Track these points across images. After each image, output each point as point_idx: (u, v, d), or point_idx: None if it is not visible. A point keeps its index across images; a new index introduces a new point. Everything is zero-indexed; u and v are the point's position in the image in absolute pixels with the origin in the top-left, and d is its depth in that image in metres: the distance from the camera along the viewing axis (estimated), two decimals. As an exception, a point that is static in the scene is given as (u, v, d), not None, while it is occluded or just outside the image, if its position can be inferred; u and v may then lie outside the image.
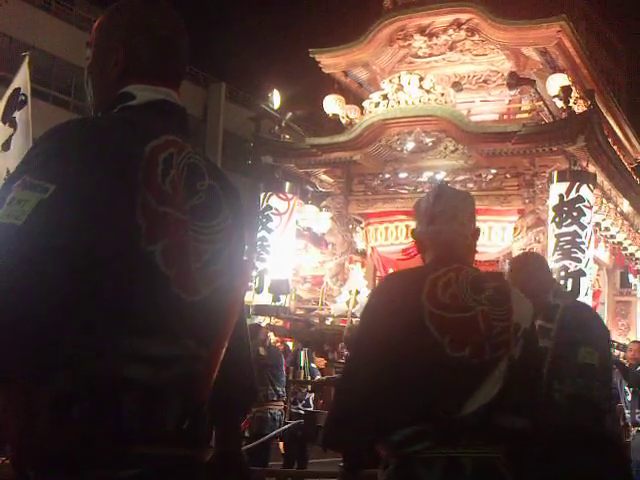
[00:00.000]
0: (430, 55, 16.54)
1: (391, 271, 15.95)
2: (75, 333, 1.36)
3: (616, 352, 14.04)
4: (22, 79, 8.14)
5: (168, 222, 1.45)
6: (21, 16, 24.80)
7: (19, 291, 1.30)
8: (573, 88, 14.17)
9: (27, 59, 8.36)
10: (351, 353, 2.43)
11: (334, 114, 16.62)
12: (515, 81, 14.57)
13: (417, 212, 2.57)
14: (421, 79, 14.90)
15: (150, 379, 1.40)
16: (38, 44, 24.95)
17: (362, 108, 15.72)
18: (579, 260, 12.38)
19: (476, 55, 16.16)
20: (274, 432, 8.51)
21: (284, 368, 9.20)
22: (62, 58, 24.27)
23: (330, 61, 17.08)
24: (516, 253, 13.80)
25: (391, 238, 15.62)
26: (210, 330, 1.52)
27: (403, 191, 15.68)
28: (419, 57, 16.68)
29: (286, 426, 8.87)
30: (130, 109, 1.58)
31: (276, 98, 17.18)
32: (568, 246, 12.42)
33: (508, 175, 14.76)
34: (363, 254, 16.33)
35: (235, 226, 1.63)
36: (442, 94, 14.81)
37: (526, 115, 15.10)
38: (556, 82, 14.18)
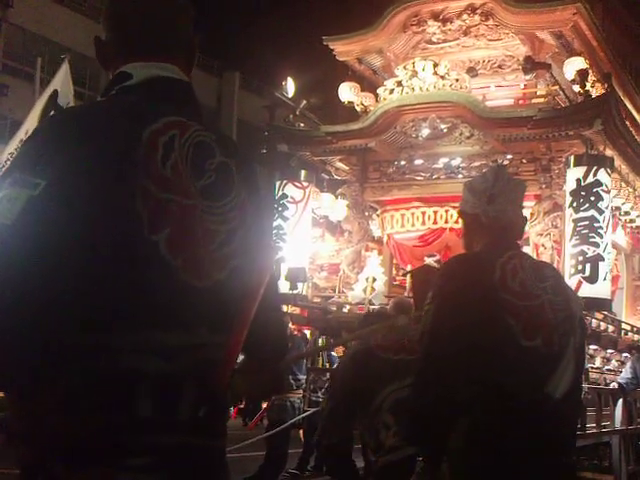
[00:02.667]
0: (444, 41, 16.41)
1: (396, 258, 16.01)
2: (79, 329, 1.34)
3: (636, 337, 13.98)
4: (60, 81, 8.19)
5: (171, 209, 1.41)
6: (34, 9, 24.87)
7: (12, 293, 1.27)
8: (590, 71, 14.05)
9: (67, 62, 8.37)
10: (426, 344, 2.35)
11: (349, 102, 16.56)
12: (530, 65, 14.46)
13: (471, 191, 2.53)
14: (435, 65, 14.79)
15: (160, 369, 1.38)
16: (51, 36, 25.04)
17: (376, 95, 15.64)
18: (597, 245, 12.29)
19: (491, 40, 16.01)
20: (293, 419, 8.55)
21: (303, 356, 9.24)
22: (75, 50, 24.31)
23: (344, 48, 16.98)
24: (533, 239, 13.74)
25: (407, 225, 15.55)
26: (227, 315, 1.47)
27: (419, 178, 15.59)
28: (433, 43, 16.55)
29: (305, 414, 8.90)
30: (128, 90, 1.53)
31: (290, 86, 17.16)
32: (586, 231, 12.33)
33: (524, 160, 14.65)
34: (379, 241, 16.30)
35: (251, 202, 1.58)
36: (457, 80, 14.71)
37: (542, 100, 14.96)
38: (572, 66, 14.04)
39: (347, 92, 16.66)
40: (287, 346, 1.81)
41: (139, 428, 1.36)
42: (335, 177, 16.61)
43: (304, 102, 16.34)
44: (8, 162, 8.89)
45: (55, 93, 8.28)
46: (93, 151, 1.37)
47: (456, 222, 15.12)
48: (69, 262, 1.33)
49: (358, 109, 16.43)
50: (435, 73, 14.71)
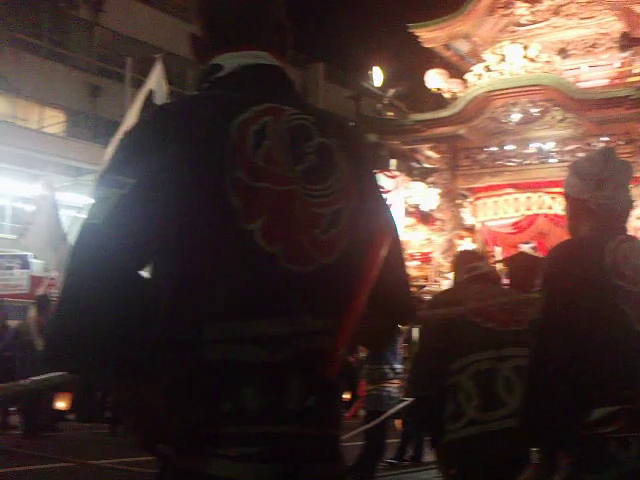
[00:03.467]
0: (533, 22, 16.06)
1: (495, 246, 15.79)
2: (181, 322, 1.37)
3: None
4: (155, 81, 8.43)
5: (265, 197, 1.40)
6: (122, 10, 25.53)
7: (107, 293, 1.30)
8: (693, 45, 13.51)
9: (160, 62, 8.59)
10: (539, 333, 2.30)
11: (437, 89, 16.39)
12: (627, 42, 13.99)
13: (578, 175, 2.44)
14: (525, 47, 14.50)
15: (264, 359, 1.37)
16: (139, 36, 25.64)
17: (465, 81, 15.43)
18: (703, 227, 11.85)
19: (583, 18, 15.56)
20: (391, 410, 8.51)
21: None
22: (163, 48, 24.83)
23: (430, 35, 16.80)
24: (634, 223, 13.32)
25: (500, 212, 15.35)
26: (336, 300, 1.43)
27: (510, 164, 15.34)
28: (522, 25, 16.22)
29: (403, 404, 8.85)
30: (219, 81, 1.52)
31: (377, 75, 17.10)
32: (690, 213, 11.88)
33: (621, 142, 14.21)
34: (471, 229, 16.12)
35: (358, 182, 1.53)
36: (547, 62, 14.37)
37: (639, 78, 14.46)
38: (673, 40, 13.54)
39: (434, 79, 16.48)
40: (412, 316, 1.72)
41: (245, 418, 1.36)
42: (426, 165, 16.49)
43: (392, 91, 16.27)
44: None
45: (150, 93, 8.48)
46: (183, 147, 1.38)
47: (549, 208, 14.82)
48: (162, 258, 1.36)
49: (446, 96, 16.24)
50: (525, 56, 14.40)
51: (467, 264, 3.86)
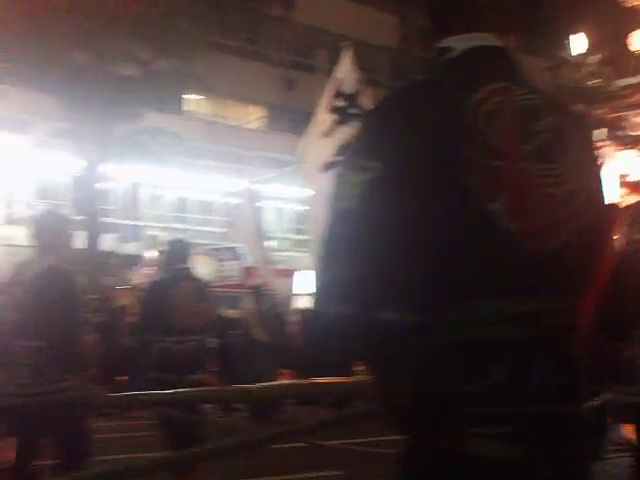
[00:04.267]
0: None
1: None
2: (428, 301, 1.38)
3: None
4: (344, 69, 8.61)
5: (503, 176, 1.40)
6: (311, 3, 26.16)
7: (357, 273, 1.36)
8: None
9: (348, 50, 8.76)
10: None
11: (644, 50, 15.47)
12: None
13: None
14: None
15: (510, 338, 1.37)
16: (329, 27, 26.14)
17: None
18: None
19: None
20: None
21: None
22: (352, 37, 25.16)
23: (633, -8, 15.86)
24: None
25: None
26: (573, 279, 1.44)
27: None
28: None
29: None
30: (451, 63, 1.54)
31: (576, 43, 16.43)
32: None
33: None
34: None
35: (586, 160, 1.53)
36: None
37: None
38: None
39: (640, 40, 15.56)
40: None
41: (493, 397, 1.37)
42: (633, 133, 15.64)
43: (594, 57, 15.56)
44: (303, 154, 9.45)
45: (339, 81, 8.62)
46: (418, 129, 1.40)
47: None
48: (410, 241, 1.37)
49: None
50: None
51: None
